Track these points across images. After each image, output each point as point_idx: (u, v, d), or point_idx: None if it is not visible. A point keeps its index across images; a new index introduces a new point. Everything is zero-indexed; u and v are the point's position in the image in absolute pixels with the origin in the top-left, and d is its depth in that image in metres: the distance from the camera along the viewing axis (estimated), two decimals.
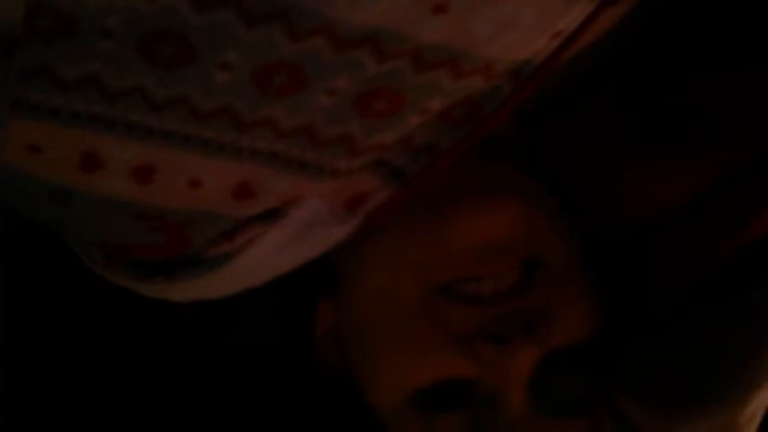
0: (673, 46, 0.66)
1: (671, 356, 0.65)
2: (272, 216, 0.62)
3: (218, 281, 0.64)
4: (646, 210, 0.67)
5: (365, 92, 0.56)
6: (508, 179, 0.69)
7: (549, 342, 0.65)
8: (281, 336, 0.72)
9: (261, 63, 0.54)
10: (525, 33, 0.56)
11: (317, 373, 0.71)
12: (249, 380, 0.72)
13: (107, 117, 0.55)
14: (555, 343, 0.66)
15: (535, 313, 0.65)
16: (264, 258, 0.63)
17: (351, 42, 0.54)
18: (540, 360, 0.65)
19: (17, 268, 0.72)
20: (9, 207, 0.62)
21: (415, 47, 0.55)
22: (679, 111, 0.65)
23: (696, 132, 0.65)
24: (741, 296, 0.64)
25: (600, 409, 0.68)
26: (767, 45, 0.64)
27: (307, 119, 0.57)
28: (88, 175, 0.57)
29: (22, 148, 0.56)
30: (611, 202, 0.68)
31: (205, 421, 0.72)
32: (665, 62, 0.67)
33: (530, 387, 0.66)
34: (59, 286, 0.73)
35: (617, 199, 0.68)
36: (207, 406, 0.72)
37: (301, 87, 0.55)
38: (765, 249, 0.64)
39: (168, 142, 0.56)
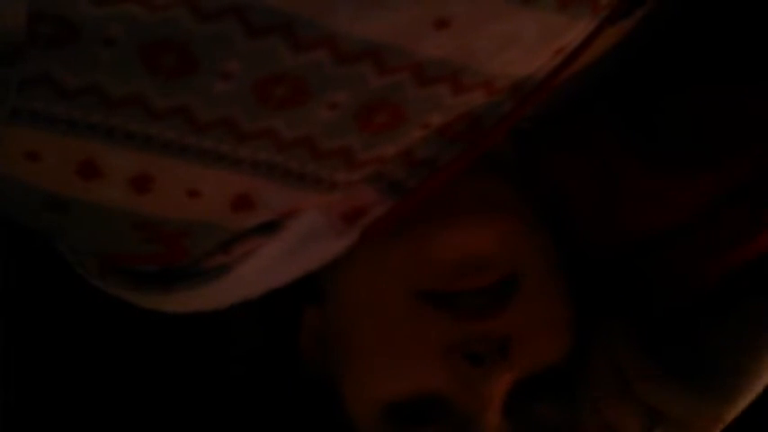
0: (667, 64, 0.67)
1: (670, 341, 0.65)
2: (269, 228, 0.62)
3: (215, 293, 0.64)
4: (641, 229, 0.67)
5: (366, 105, 0.56)
6: (497, 195, 0.69)
7: (524, 366, 0.65)
8: (266, 341, 0.72)
9: (262, 74, 0.54)
10: (527, 50, 0.56)
11: (301, 378, 0.71)
12: (234, 384, 0.72)
13: (106, 125, 0.55)
14: (530, 367, 0.66)
15: (511, 336, 0.65)
16: (261, 271, 0.63)
17: (353, 55, 0.54)
18: (515, 384, 0.65)
19: (16, 277, 0.72)
20: (6, 215, 0.62)
21: (417, 61, 0.55)
22: (675, 129, 0.65)
23: (693, 151, 0.65)
24: (738, 305, 0.64)
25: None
26: (762, 63, 0.64)
27: (307, 131, 0.57)
28: (86, 183, 0.57)
29: (20, 155, 0.56)
30: (605, 220, 0.68)
31: (191, 426, 0.72)
32: (659, 80, 0.67)
33: (505, 411, 0.65)
34: (56, 295, 0.73)
35: (611, 217, 0.68)
36: (192, 412, 0.72)
37: (302, 100, 0.55)
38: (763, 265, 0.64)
39: (167, 152, 0.56)
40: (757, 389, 0.66)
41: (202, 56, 0.53)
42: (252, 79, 0.54)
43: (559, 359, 0.67)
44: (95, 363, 0.74)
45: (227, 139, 0.56)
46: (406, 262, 0.66)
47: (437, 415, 0.66)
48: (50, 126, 0.55)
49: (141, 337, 0.73)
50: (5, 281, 0.71)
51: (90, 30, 0.52)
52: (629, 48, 0.65)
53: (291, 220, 0.62)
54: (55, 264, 0.67)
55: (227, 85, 0.54)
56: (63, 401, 0.73)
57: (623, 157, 0.67)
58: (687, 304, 0.66)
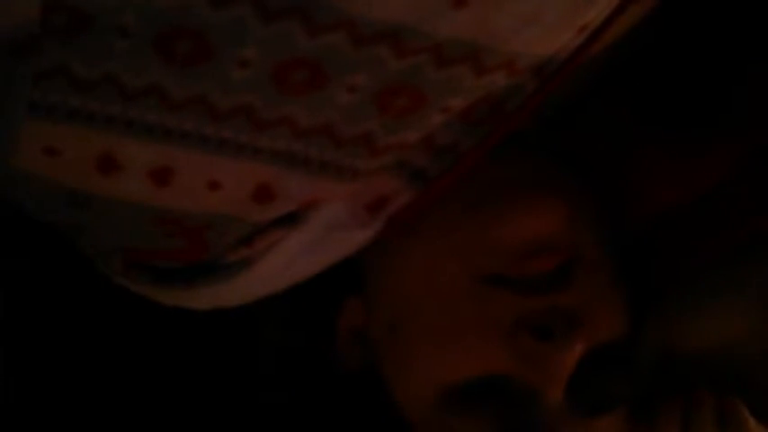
0: (684, 42, 0.66)
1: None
2: (292, 220, 0.61)
3: (238, 287, 0.63)
4: (658, 206, 0.68)
5: (386, 89, 0.55)
6: (550, 176, 0.68)
7: (591, 340, 0.64)
8: (297, 336, 0.71)
9: (279, 60, 0.53)
10: (549, 28, 0.55)
11: (336, 374, 0.70)
12: (269, 381, 0.71)
13: (124, 117, 0.55)
14: (593, 343, 0.65)
15: (578, 310, 0.64)
16: (285, 264, 0.63)
17: (370, 37, 0.53)
18: (580, 359, 0.64)
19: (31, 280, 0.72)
20: (22, 212, 0.62)
21: (436, 42, 0.54)
22: (692, 105, 0.65)
23: (709, 127, 0.65)
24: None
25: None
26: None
27: (326, 117, 0.56)
28: (106, 177, 0.57)
29: (39, 150, 0.56)
30: (624, 199, 0.69)
31: (222, 423, 0.71)
32: (677, 58, 0.66)
33: (567, 386, 0.64)
34: (78, 294, 0.72)
35: (630, 196, 0.68)
36: (223, 408, 0.71)
37: (321, 84, 0.54)
38: None
39: (186, 143, 0.56)
40: None
41: (218, 43, 0.52)
42: (269, 65, 0.53)
43: (619, 335, 0.66)
44: (119, 362, 0.73)
45: (246, 127, 0.55)
46: (469, 246, 0.65)
47: (494, 397, 0.64)
48: (68, 120, 0.54)
49: (168, 336, 0.73)
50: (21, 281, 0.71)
51: (104, 19, 0.51)
52: (651, 27, 0.64)
53: (313, 211, 0.61)
54: (76, 264, 0.67)
55: (244, 72, 0.53)
56: (86, 401, 0.73)
57: (639, 142, 0.67)
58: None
